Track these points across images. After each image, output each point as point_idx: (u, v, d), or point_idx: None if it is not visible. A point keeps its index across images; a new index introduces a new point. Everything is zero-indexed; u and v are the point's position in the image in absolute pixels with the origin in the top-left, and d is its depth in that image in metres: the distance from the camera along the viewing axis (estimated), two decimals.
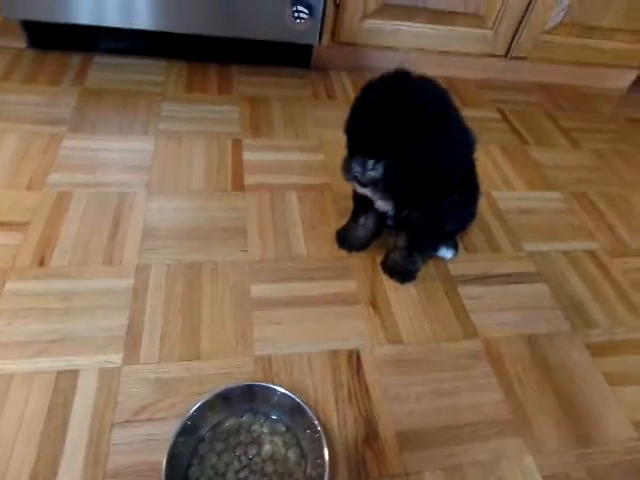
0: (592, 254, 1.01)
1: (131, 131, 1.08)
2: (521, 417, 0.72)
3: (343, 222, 0.93)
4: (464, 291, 0.88)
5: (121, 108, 1.14)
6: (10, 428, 0.60)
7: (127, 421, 0.63)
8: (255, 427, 0.63)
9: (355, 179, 0.65)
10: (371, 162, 0.63)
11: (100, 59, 1.29)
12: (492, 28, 1.39)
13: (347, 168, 0.66)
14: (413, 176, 0.65)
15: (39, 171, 0.94)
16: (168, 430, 0.61)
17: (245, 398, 0.64)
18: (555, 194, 1.16)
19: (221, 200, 0.97)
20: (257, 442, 0.62)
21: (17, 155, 0.97)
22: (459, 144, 0.68)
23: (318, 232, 0.94)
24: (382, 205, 0.77)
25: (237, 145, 1.11)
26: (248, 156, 1.08)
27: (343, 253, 0.91)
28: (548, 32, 1.46)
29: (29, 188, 0.91)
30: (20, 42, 1.27)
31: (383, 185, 0.65)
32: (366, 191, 0.69)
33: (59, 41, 1.28)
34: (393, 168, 0.63)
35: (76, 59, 1.27)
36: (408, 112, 0.60)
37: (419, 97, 0.61)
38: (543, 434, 0.70)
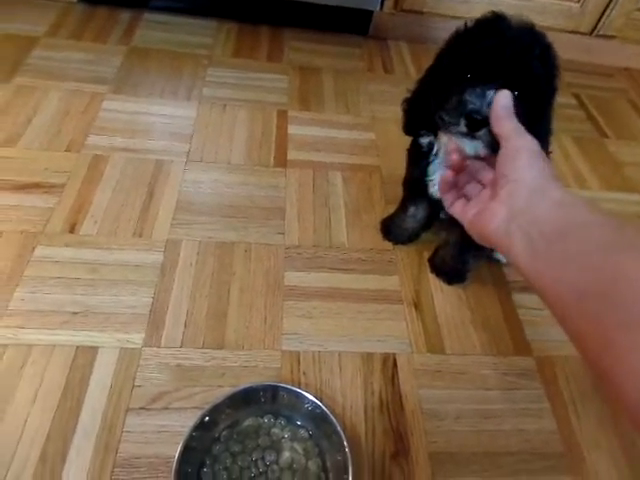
0: None
1: (174, 96, 1.03)
2: (574, 452, 0.63)
3: (390, 210, 0.84)
4: (519, 299, 0.78)
5: (166, 70, 1.09)
6: (24, 403, 0.57)
7: (142, 408, 0.59)
8: (275, 430, 0.58)
9: (470, 114, 0.49)
10: (492, 93, 0.48)
11: (149, 16, 1.23)
12: (579, 1, 1.23)
13: (457, 103, 0.50)
14: (534, 121, 0.50)
15: (77, 132, 0.91)
16: (184, 423, 0.58)
17: (268, 399, 0.59)
18: (635, 196, 1.02)
19: (261, 176, 0.90)
20: (276, 447, 0.57)
21: (58, 115, 0.93)
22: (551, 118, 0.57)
23: (362, 219, 0.86)
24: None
25: (283, 117, 1.03)
26: (293, 130, 1.01)
27: (387, 245, 0.83)
28: None
29: (68, 150, 0.88)
30: None
31: None
32: (479, 137, 0.50)
33: None
34: (517, 106, 0.48)
35: (125, 16, 1.22)
36: (537, 41, 0.50)
37: (542, 34, 0.51)
38: (598, 475, 0.61)
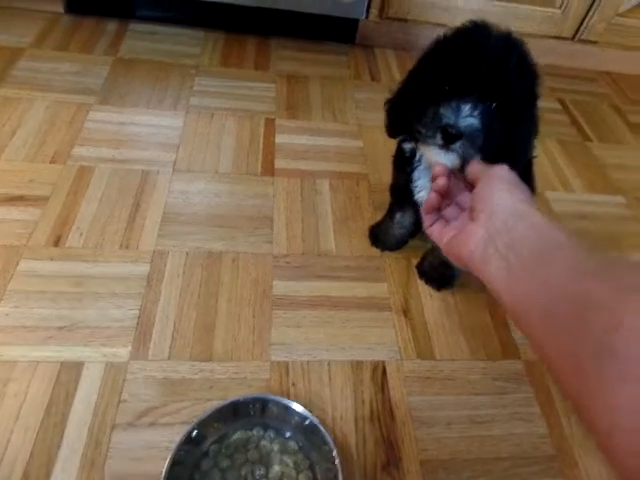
0: None
1: (161, 105, 1.03)
2: (566, 455, 0.63)
3: (378, 217, 0.85)
4: None
5: (153, 80, 1.09)
6: (7, 421, 0.56)
7: (129, 424, 0.58)
8: (264, 443, 0.57)
9: (445, 128, 0.50)
10: (467, 107, 0.50)
11: (136, 27, 1.23)
12: (560, 7, 1.25)
13: (433, 117, 0.51)
14: (509, 134, 0.52)
15: (63, 143, 0.90)
16: (171, 438, 0.57)
17: (257, 411, 0.58)
18: (618, 198, 1.03)
19: (249, 185, 0.90)
20: (265, 461, 0.56)
21: (43, 126, 0.93)
22: (537, 120, 0.58)
23: (350, 227, 0.86)
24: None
25: (270, 126, 1.03)
26: (281, 138, 1.01)
27: (375, 252, 0.83)
28: (623, 15, 1.30)
29: (53, 161, 0.87)
30: (58, 6, 1.23)
31: (481, 139, 0.51)
32: (454, 150, 0.51)
33: (96, 6, 1.23)
34: (493, 118, 0.50)
35: (112, 26, 1.22)
36: (513, 53, 0.50)
37: (520, 43, 0.52)
38: (590, 478, 0.61)
